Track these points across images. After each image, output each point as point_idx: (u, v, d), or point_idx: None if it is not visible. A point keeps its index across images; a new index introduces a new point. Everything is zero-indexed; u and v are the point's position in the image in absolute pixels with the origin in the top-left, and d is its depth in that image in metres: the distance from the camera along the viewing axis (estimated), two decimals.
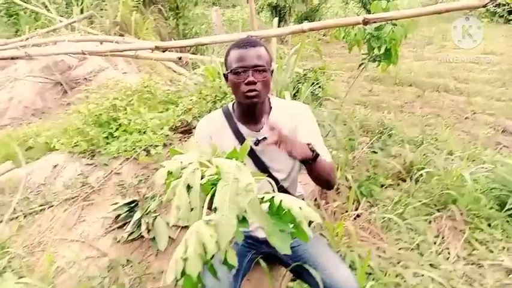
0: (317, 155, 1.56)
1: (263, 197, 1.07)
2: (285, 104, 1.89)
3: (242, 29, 9.01)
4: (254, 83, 1.61)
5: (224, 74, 1.74)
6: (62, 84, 4.74)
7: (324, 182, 1.74)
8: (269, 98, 1.84)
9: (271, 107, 1.83)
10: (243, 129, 1.79)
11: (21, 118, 4.39)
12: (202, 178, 1.07)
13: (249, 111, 1.75)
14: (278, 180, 1.84)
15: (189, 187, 1.04)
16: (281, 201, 1.04)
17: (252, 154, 1.77)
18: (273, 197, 1.06)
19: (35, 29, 7.08)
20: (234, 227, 0.95)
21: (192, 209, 1.03)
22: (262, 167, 1.81)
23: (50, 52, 4.77)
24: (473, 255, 2.82)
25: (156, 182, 1.13)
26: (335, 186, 2.28)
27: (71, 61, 5.10)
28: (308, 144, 1.56)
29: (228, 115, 1.83)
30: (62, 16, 7.73)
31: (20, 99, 4.55)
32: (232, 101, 2.96)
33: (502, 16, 12.51)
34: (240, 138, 1.78)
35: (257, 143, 1.77)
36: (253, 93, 1.63)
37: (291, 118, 1.79)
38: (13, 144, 3.56)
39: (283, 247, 1.02)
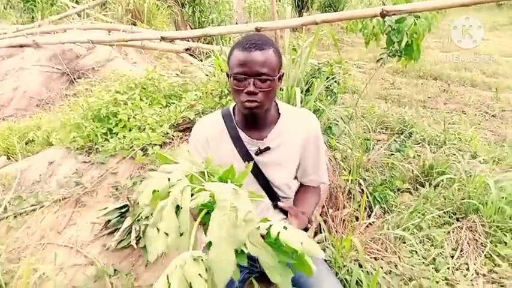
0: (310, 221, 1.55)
1: (258, 227, 0.94)
2: (294, 111, 1.70)
3: (263, 17, 8.78)
4: (255, 94, 1.41)
5: (227, 73, 1.54)
6: (68, 74, 4.61)
7: None
8: (276, 104, 1.65)
9: (279, 114, 1.63)
10: (244, 136, 1.59)
11: (25, 109, 4.28)
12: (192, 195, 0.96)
13: (251, 120, 1.57)
14: (279, 197, 1.66)
15: (178, 207, 0.93)
16: (278, 233, 0.91)
17: (253, 166, 1.59)
18: (270, 225, 0.93)
19: (50, 15, 6.99)
20: (232, 264, 0.83)
21: (181, 234, 0.92)
22: (263, 182, 1.63)
23: (57, 41, 4.65)
24: (494, 272, 2.60)
25: (140, 203, 0.98)
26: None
27: (79, 50, 4.97)
28: (303, 213, 1.51)
29: (227, 119, 1.63)
30: (78, 3, 7.63)
31: (25, 89, 4.44)
32: None
33: None
34: (240, 146, 1.59)
35: (258, 152, 1.58)
36: (253, 104, 1.43)
37: (300, 129, 1.62)
38: (13, 137, 3.46)
39: (284, 283, 0.92)
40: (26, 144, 3.47)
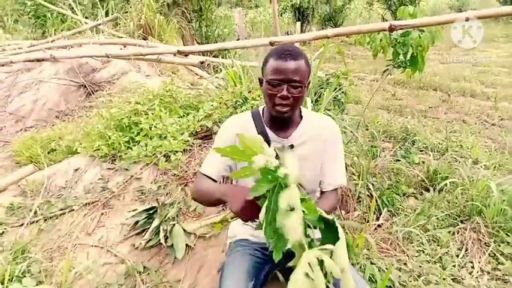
0: None
1: None
2: (316, 116, 1.87)
3: (265, 31, 8.99)
4: (287, 98, 1.57)
5: (259, 78, 1.71)
6: (85, 87, 4.79)
7: None
8: (300, 108, 1.82)
9: (301, 116, 1.80)
10: (271, 134, 1.76)
11: (45, 120, 4.45)
12: None
13: (279, 120, 1.73)
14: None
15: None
16: None
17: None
18: None
19: (61, 30, 7.20)
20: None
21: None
22: None
23: (75, 55, 4.84)
24: (498, 270, 2.72)
25: (255, 165, 1.14)
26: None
27: (95, 64, 5.16)
28: None
29: (257, 118, 1.80)
30: (87, 18, 7.84)
31: (44, 101, 4.62)
32: (253, 107, 2.96)
33: None
34: (267, 143, 1.76)
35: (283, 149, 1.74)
36: (285, 109, 1.60)
37: (321, 131, 1.78)
38: (36, 146, 3.62)
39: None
40: (48, 153, 3.62)
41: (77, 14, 7.46)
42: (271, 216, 1.12)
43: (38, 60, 5.10)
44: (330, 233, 1.13)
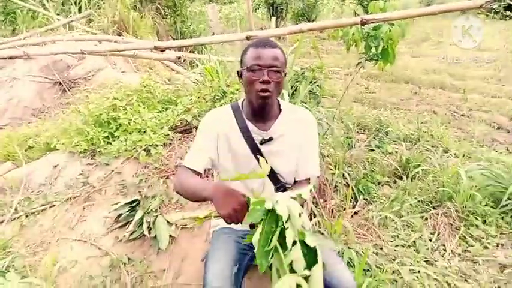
0: None
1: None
2: (294, 108, 1.93)
3: (239, 26, 9.03)
4: (268, 82, 1.64)
5: (238, 71, 1.78)
6: (61, 84, 4.74)
7: None
8: (278, 101, 1.88)
9: (280, 109, 1.87)
10: (251, 126, 1.81)
11: (20, 118, 4.39)
12: None
13: (259, 109, 1.78)
14: (283, 183, 1.88)
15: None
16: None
17: (259, 155, 1.79)
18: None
19: (33, 27, 7.06)
20: None
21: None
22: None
23: (49, 52, 4.77)
24: (468, 252, 2.86)
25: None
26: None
27: (70, 60, 5.12)
28: None
29: (237, 111, 1.85)
30: (59, 15, 7.70)
31: (19, 99, 4.55)
32: (232, 100, 3.02)
33: (498, 12, 12.51)
34: (247, 135, 1.81)
35: (263, 142, 1.81)
36: (266, 93, 1.66)
37: (299, 123, 1.85)
38: (13, 144, 3.58)
39: None
40: (26, 151, 3.59)
41: (48, 11, 7.32)
42: (263, 241, 1.22)
43: (11, 58, 5.00)
44: (308, 256, 1.23)
